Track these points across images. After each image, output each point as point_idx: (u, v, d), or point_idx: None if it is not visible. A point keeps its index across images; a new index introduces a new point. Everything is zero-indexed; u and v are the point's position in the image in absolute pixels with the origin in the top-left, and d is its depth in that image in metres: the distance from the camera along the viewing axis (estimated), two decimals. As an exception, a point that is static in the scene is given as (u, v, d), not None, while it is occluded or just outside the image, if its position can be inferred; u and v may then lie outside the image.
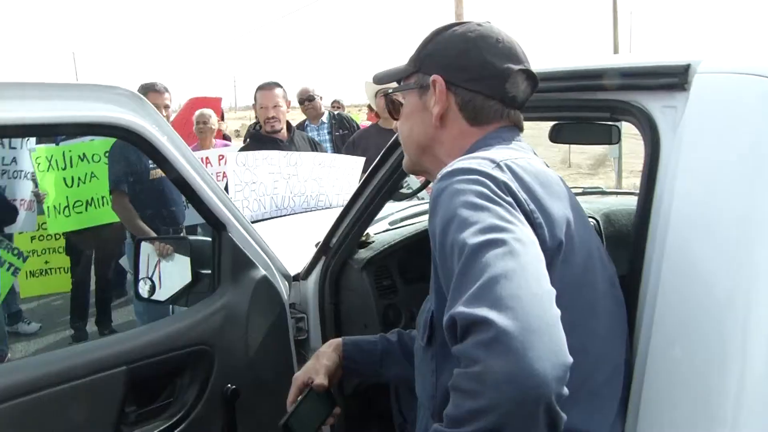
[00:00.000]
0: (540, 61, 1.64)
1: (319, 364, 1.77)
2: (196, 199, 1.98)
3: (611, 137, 2.75)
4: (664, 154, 1.38)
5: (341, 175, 4.34)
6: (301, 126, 6.38)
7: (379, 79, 1.65)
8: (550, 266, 1.14)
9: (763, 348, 1.19)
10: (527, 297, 1.02)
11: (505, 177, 1.24)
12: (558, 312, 1.04)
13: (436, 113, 1.47)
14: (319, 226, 3.15)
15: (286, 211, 4.12)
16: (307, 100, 6.47)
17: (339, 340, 1.87)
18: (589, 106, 1.59)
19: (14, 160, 5.56)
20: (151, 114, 1.82)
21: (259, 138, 4.79)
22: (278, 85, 4.84)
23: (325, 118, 6.50)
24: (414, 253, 2.50)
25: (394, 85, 1.62)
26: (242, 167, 3.96)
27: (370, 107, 10.18)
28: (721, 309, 1.21)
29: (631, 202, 2.49)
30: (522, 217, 1.19)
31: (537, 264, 1.10)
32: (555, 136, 2.76)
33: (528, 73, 1.46)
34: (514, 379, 0.95)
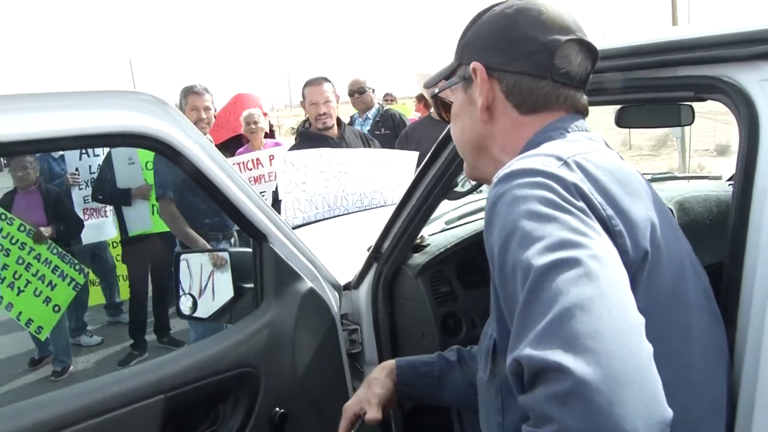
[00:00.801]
0: (598, 39, 1.42)
1: (371, 393, 1.60)
2: (232, 208, 1.83)
3: (682, 118, 2.51)
4: (764, 131, 1.16)
5: (394, 171, 4.14)
6: (351, 122, 6.23)
7: (428, 84, 1.49)
8: (633, 283, 0.95)
9: None
10: (611, 334, 0.82)
11: (575, 177, 1.03)
12: (650, 349, 0.84)
13: (481, 104, 1.28)
14: (372, 228, 2.99)
15: (339, 211, 3.95)
16: (357, 92, 6.33)
17: (392, 362, 1.69)
18: (667, 84, 1.36)
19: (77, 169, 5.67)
20: (177, 120, 1.67)
21: (309, 136, 4.61)
22: (327, 80, 4.63)
23: (371, 114, 6.33)
24: (473, 256, 2.29)
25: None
26: (291, 167, 3.80)
27: (419, 98, 9.99)
28: None
29: (705, 187, 2.24)
30: (598, 226, 0.98)
31: (620, 287, 0.90)
32: (621, 120, 2.54)
33: (582, 43, 1.24)
34: None
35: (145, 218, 5.39)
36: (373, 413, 1.54)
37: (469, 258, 2.29)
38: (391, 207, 3.82)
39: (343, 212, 3.95)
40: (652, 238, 1.05)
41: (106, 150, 5.48)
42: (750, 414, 1.09)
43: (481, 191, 3.01)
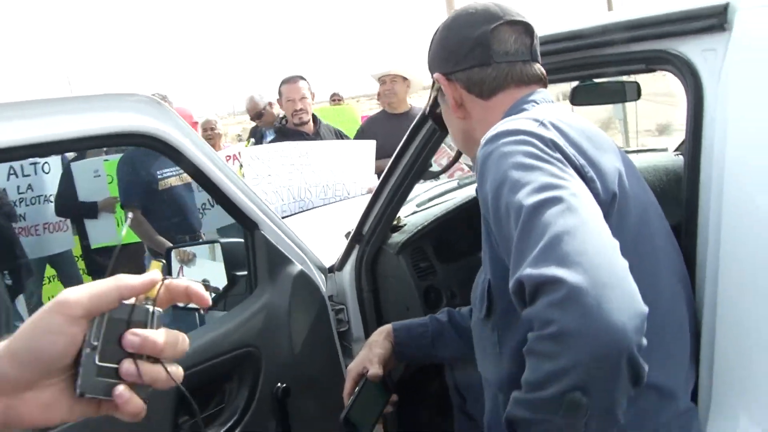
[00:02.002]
0: (556, 23, 1.61)
1: (372, 354, 1.74)
2: (226, 200, 1.95)
3: (628, 94, 2.72)
4: (709, 99, 1.34)
5: (354, 161, 4.31)
6: (255, 131, 6.21)
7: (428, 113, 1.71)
8: (606, 218, 1.11)
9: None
10: (593, 251, 1.00)
11: (551, 134, 1.21)
12: (626, 263, 1.01)
13: (452, 105, 1.48)
14: (341, 218, 3.14)
15: (305, 203, 4.11)
16: (255, 117, 6.31)
17: (389, 326, 1.84)
18: (622, 59, 1.54)
19: (30, 187, 5.54)
20: (172, 119, 1.79)
21: (286, 132, 4.79)
22: (302, 78, 4.84)
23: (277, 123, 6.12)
24: (447, 233, 2.47)
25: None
26: (257, 161, 3.97)
27: (378, 96, 10.13)
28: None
29: (654, 159, 2.45)
30: (573, 173, 1.16)
31: (597, 217, 1.08)
32: (575, 99, 2.73)
33: (512, 23, 1.43)
34: (594, 336, 0.93)
35: (111, 231, 5.40)
36: (375, 369, 1.69)
37: (444, 234, 2.46)
38: (356, 198, 4.02)
39: (309, 204, 4.11)
40: (619, 184, 1.24)
41: (37, 168, 5.41)
42: (712, 338, 1.27)
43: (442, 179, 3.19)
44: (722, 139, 1.29)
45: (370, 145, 4.43)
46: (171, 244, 4.40)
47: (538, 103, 1.40)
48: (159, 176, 4.55)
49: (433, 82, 1.54)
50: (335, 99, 10.91)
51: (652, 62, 1.47)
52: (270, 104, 6.05)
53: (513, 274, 1.05)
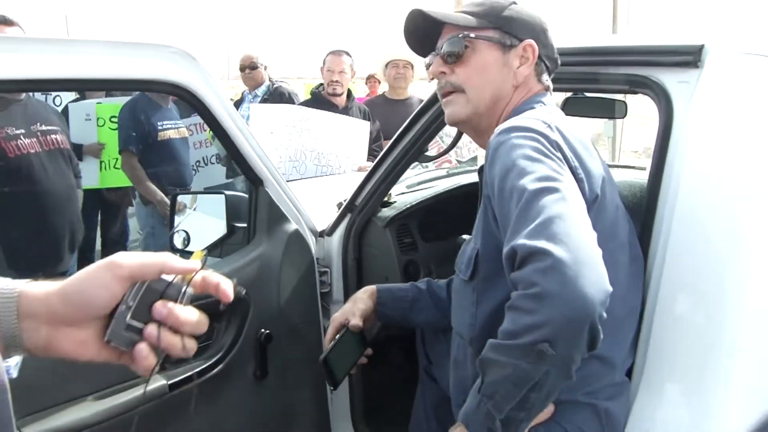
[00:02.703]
0: (560, 38, 1.81)
1: (355, 308, 1.95)
2: (238, 155, 2.13)
3: (616, 112, 2.93)
4: (677, 123, 1.56)
5: (350, 137, 4.56)
6: (241, 98, 6.17)
7: (447, 17, 1.68)
8: (588, 213, 1.34)
9: (754, 300, 1.38)
10: (577, 235, 1.22)
11: (555, 136, 1.43)
12: (600, 251, 1.24)
13: (525, 75, 1.64)
14: (333, 189, 3.33)
15: (299, 165, 4.37)
16: (249, 67, 5.98)
17: (374, 287, 2.05)
18: (610, 79, 1.75)
19: None
20: (202, 72, 1.97)
21: (319, 98, 5.00)
22: (347, 54, 5.06)
23: (260, 91, 6.00)
24: (432, 214, 2.68)
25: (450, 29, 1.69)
26: (262, 117, 4.30)
27: (369, 78, 10.28)
28: (721, 267, 1.40)
29: (633, 176, 2.67)
30: (568, 172, 1.38)
31: (582, 210, 1.31)
32: (566, 108, 2.93)
33: None
34: (568, 301, 1.16)
35: (93, 175, 5.48)
36: (356, 321, 1.91)
37: (429, 215, 2.67)
38: (347, 174, 4.22)
39: (302, 166, 4.38)
40: (601, 187, 1.48)
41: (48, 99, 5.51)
42: (650, 323, 1.50)
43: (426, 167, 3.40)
44: (683, 159, 1.50)
45: (365, 125, 4.67)
46: (161, 193, 4.59)
47: (545, 105, 1.63)
48: (159, 127, 4.70)
49: (491, 28, 1.64)
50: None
51: (635, 85, 1.68)
52: (264, 66, 6.06)
53: (508, 242, 1.27)
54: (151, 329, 0.86)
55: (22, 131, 3.20)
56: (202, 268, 0.93)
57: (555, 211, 1.25)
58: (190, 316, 0.89)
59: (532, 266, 1.20)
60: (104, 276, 0.86)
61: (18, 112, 3.23)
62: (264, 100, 5.75)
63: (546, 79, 1.68)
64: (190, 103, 1.99)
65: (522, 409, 1.25)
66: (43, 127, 3.30)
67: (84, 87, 1.75)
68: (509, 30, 1.64)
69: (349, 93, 5.10)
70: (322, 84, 5.17)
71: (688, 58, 1.55)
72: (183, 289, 0.90)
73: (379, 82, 9.63)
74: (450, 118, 1.72)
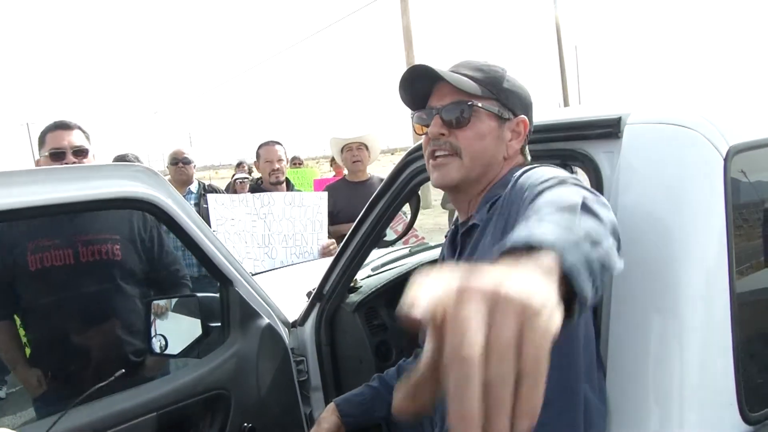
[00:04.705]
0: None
1: (320, 429, 2.04)
2: (207, 260, 2.23)
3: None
4: (606, 188, 1.69)
5: (311, 212, 4.71)
6: None
7: (456, 81, 1.69)
8: None
9: (694, 346, 1.49)
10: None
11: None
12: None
13: (517, 148, 1.74)
14: (305, 277, 3.43)
15: (269, 250, 4.50)
16: (182, 162, 5.71)
17: (332, 404, 2.11)
18: (544, 155, 1.89)
19: None
20: (165, 186, 2.09)
21: (261, 191, 5.13)
22: (279, 143, 5.30)
23: (193, 188, 5.79)
24: (399, 294, 2.77)
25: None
26: (221, 206, 4.41)
27: (332, 160, 10.50)
28: (660, 313, 1.52)
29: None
30: None
31: None
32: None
33: None
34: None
35: None
36: None
37: (395, 296, 2.77)
38: (314, 262, 4.32)
39: (272, 250, 4.51)
40: None
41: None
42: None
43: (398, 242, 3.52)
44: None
45: (322, 197, 4.83)
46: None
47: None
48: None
49: (490, 99, 1.70)
50: (295, 162, 11.24)
51: (566, 158, 1.82)
52: (193, 165, 5.87)
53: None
54: None
55: (56, 242, 2.85)
56: None
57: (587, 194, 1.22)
58: None
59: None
60: None
61: (59, 221, 2.90)
62: (199, 197, 5.67)
63: (527, 152, 1.78)
64: (157, 216, 2.10)
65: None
66: (89, 237, 2.92)
67: (54, 212, 1.81)
68: (506, 103, 1.72)
69: (287, 180, 5.32)
70: (259, 178, 5.36)
71: (610, 129, 1.69)
72: None
73: (343, 165, 9.86)
74: (440, 180, 1.73)
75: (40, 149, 3.06)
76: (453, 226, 1.89)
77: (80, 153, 3.01)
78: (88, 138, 3.11)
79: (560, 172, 1.43)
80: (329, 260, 2.66)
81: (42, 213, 1.90)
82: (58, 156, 2.96)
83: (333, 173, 11.44)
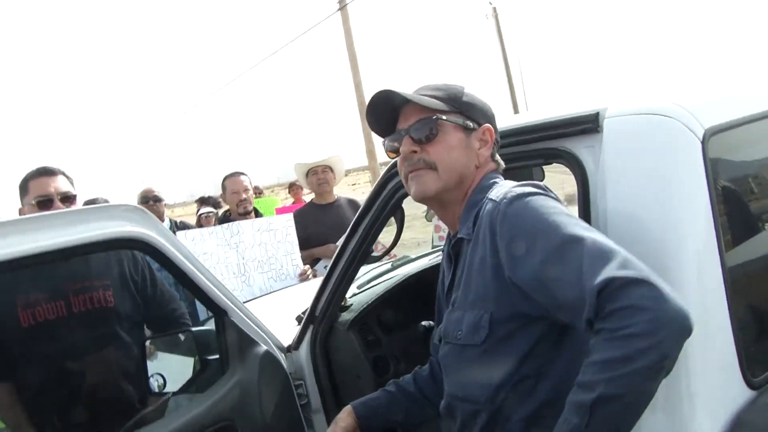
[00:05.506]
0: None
1: (337, 427, 2.06)
2: (199, 292, 2.24)
3: (534, 178, 3.16)
4: (591, 182, 1.75)
5: (281, 234, 4.74)
6: None
7: (420, 100, 1.80)
8: None
9: (696, 324, 1.54)
10: (637, 262, 1.38)
11: (552, 195, 1.63)
12: None
13: (487, 156, 1.83)
14: (286, 303, 3.44)
15: (246, 278, 4.52)
16: (153, 200, 5.65)
17: (349, 406, 2.13)
18: (527, 155, 1.95)
19: None
20: (155, 224, 2.09)
21: (230, 222, 5.11)
22: (243, 173, 5.33)
23: (166, 224, 5.77)
24: (389, 308, 2.82)
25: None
26: (191, 242, 4.38)
27: (291, 186, 10.51)
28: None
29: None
30: None
31: None
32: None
33: None
34: (677, 318, 1.29)
35: None
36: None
37: (386, 310, 2.81)
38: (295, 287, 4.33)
39: (250, 278, 4.53)
40: None
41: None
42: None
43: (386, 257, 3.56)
44: (604, 210, 1.69)
45: (288, 218, 4.88)
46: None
47: (502, 179, 1.82)
48: None
49: (455, 112, 1.81)
50: (256, 192, 11.20)
51: (549, 157, 1.88)
52: (164, 203, 5.85)
53: (595, 278, 1.35)
54: None
55: (45, 295, 2.68)
56: None
57: (618, 248, 1.39)
58: None
59: (637, 293, 1.30)
60: None
61: (45, 272, 2.71)
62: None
63: (498, 158, 1.87)
64: (149, 254, 2.10)
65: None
66: (79, 285, 2.76)
67: (47, 260, 1.79)
68: (469, 114, 1.83)
69: (256, 210, 5.35)
70: (227, 210, 5.36)
71: (589, 125, 1.75)
72: None
73: (302, 189, 9.90)
74: (419, 193, 1.80)
75: (22, 198, 3.00)
76: (446, 239, 1.98)
77: (67, 199, 2.97)
78: (72, 183, 3.06)
79: (551, 210, 1.53)
80: (308, 284, 2.69)
81: (35, 262, 1.88)
82: (45, 204, 2.91)
83: (292, 200, 11.46)
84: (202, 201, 10.15)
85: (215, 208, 8.33)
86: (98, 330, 2.79)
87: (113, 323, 2.82)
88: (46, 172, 3.00)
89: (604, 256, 1.38)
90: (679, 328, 1.29)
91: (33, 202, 2.92)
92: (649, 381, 1.31)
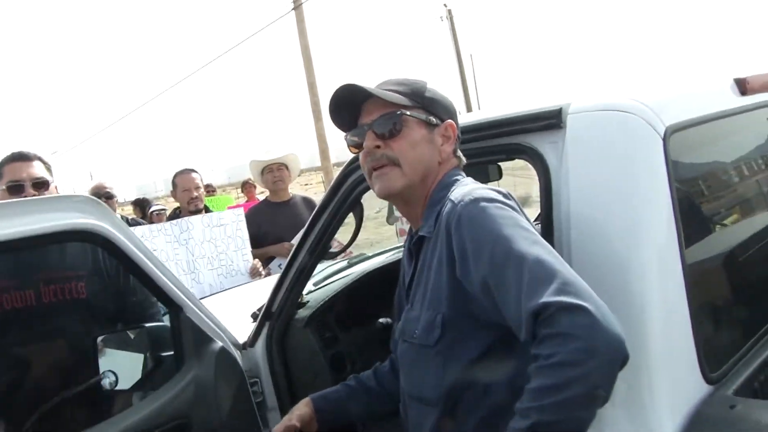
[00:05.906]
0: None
1: (292, 415, 2.04)
2: (156, 287, 2.19)
3: (490, 176, 3.18)
4: (554, 177, 1.76)
5: (231, 230, 4.69)
6: None
7: (383, 94, 1.78)
8: None
9: (655, 318, 1.56)
10: (585, 286, 1.37)
11: (512, 203, 1.61)
12: None
13: (449, 152, 1.81)
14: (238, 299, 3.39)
15: (196, 275, 4.45)
16: (104, 197, 5.56)
17: (308, 398, 2.11)
18: (489, 151, 1.95)
19: None
20: (109, 216, 2.04)
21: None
22: (195, 171, 5.21)
23: None
24: (346, 305, 2.80)
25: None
26: (141, 238, 4.22)
27: (244, 185, 10.42)
28: (618, 291, 1.59)
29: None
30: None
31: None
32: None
33: None
34: (611, 347, 1.29)
35: None
36: (293, 422, 2.00)
37: (343, 307, 2.79)
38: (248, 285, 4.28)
39: (199, 275, 4.47)
40: None
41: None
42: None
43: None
44: (567, 206, 1.70)
45: (239, 213, 4.84)
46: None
47: (464, 176, 1.81)
48: None
49: (417, 108, 1.79)
50: (208, 190, 11.12)
51: (511, 153, 1.89)
52: (116, 200, 5.83)
53: (528, 301, 1.37)
54: None
55: (14, 283, 2.54)
56: None
57: (561, 268, 1.38)
58: None
59: (569, 320, 1.30)
60: None
61: (11, 260, 2.57)
62: None
63: (459, 153, 1.86)
64: (103, 247, 2.05)
65: None
66: (51, 275, 2.60)
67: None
68: (432, 110, 1.81)
69: (207, 208, 5.25)
70: (177, 208, 5.29)
71: (552, 120, 1.76)
72: None
73: (255, 187, 9.80)
74: (384, 190, 1.78)
75: None
76: (408, 235, 1.97)
77: (41, 185, 2.88)
78: (49, 169, 2.97)
79: (506, 221, 1.53)
80: (262, 281, 2.65)
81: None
82: (16, 189, 2.82)
83: (245, 199, 11.38)
84: (137, 203, 10.04)
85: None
86: (67, 321, 2.68)
87: (83, 315, 2.71)
88: (21, 157, 2.91)
89: (545, 277, 1.38)
90: (609, 358, 1.29)
91: (4, 187, 2.84)
92: (583, 409, 1.32)
